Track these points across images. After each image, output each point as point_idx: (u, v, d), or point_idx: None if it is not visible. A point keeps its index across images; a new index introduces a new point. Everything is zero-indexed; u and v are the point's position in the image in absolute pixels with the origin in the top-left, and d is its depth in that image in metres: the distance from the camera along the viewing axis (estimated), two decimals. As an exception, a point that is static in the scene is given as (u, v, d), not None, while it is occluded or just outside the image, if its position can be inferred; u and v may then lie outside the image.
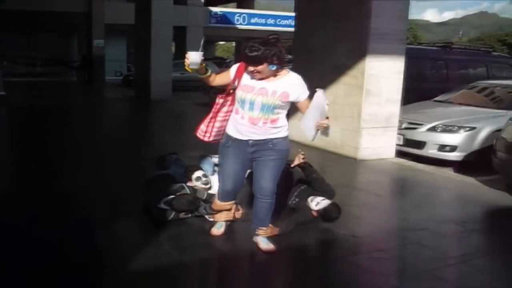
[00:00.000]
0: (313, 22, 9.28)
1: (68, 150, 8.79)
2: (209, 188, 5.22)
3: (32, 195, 5.90)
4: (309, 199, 5.05)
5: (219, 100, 4.15)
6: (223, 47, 71.54)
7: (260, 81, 3.92)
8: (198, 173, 5.21)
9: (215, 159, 5.55)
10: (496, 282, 3.98)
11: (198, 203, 4.93)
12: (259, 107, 3.93)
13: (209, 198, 5.01)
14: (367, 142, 8.20)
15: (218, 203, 4.52)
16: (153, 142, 9.40)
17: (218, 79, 4.15)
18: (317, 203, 4.96)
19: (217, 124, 4.21)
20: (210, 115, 4.22)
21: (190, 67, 3.86)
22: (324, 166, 8.08)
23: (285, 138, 4.12)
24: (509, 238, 4.98)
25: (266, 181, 4.10)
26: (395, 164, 8.10)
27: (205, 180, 5.23)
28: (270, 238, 4.34)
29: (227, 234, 4.62)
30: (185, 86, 21.91)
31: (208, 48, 42.80)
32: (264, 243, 4.29)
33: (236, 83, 4.02)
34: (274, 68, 3.85)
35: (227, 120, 4.19)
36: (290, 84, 3.94)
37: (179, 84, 20.84)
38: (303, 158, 5.38)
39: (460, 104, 9.74)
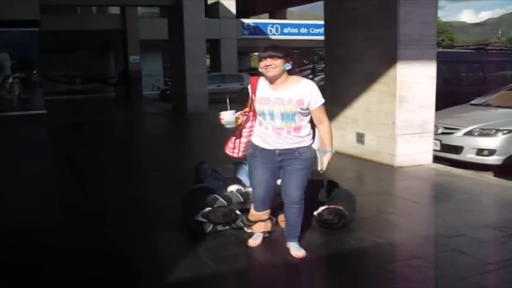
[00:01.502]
0: (342, 31, 9.30)
1: (109, 165, 9.03)
2: (246, 201, 5.28)
3: (74, 209, 6.11)
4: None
5: (242, 118, 4.34)
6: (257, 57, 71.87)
7: (275, 91, 4.06)
8: (232, 187, 5.29)
9: None
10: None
11: (235, 215, 5.01)
12: (279, 117, 4.05)
13: (245, 206, 5.10)
14: (403, 148, 8.15)
15: (254, 214, 4.60)
16: (191, 155, 9.54)
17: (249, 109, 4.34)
18: (319, 210, 5.03)
19: (243, 140, 4.39)
20: (235, 132, 4.40)
21: (226, 126, 4.21)
22: (360, 174, 8.11)
23: (309, 146, 4.21)
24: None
25: (294, 188, 4.23)
26: (433, 170, 8.02)
27: (244, 192, 5.33)
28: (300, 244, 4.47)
29: (264, 244, 4.68)
30: (221, 98, 22.03)
31: (243, 60, 43.09)
32: (295, 249, 4.42)
33: (254, 98, 4.19)
34: (289, 67, 4.02)
35: (252, 134, 4.34)
36: (303, 91, 4.04)
37: (215, 97, 21.00)
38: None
39: (498, 106, 9.61)
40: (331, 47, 9.91)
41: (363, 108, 8.74)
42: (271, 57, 3.95)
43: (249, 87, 4.27)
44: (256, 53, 60.42)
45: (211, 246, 4.72)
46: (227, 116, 4.15)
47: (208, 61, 29.29)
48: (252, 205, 4.65)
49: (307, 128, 4.18)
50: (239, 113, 4.27)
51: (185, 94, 18.14)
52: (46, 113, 15.73)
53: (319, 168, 4.22)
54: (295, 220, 4.39)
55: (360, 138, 8.85)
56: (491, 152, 8.18)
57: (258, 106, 4.12)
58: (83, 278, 4.09)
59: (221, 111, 4.26)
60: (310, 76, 16.80)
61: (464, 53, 13.36)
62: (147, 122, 17.80)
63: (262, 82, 4.17)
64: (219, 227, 5.00)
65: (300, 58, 64.53)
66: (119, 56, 29.77)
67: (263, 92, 4.11)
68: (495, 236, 4.99)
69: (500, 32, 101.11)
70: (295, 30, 36.38)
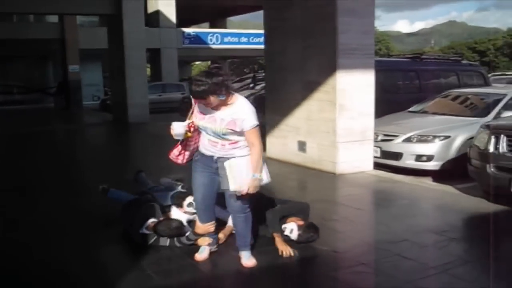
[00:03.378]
0: (283, 40, 9.38)
1: (48, 176, 8.73)
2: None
3: (8, 224, 5.87)
4: (283, 227, 4.88)
5: (190, 129, 4.29)
6: (199, 66, 71.65)
7: (211, 110, 4.09)
8: (190, 199, 5.21)
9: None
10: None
11: (184, 229, 4.93)
12: (211, 133, 4.15)
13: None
14: (344, 156, 8.26)
15: (199, 226, 4.54)
16: (134, 166, 9.34)
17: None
18: (291, 230, 4.81)
19: (188, 149, 4.40)
20: (180, 141, 4.37)
21: (175, 137, 4.22)
22: (303, 182, 8.17)
23: (242, 157, 4.20)
24: (488, 244, 5.02)
25: (230, 198, 4.29)
26: (374, 177, 8.17)
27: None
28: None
29: (211, 256, 4.61)
30: (162, 108, 21.93)
31: (184, 69, 42.82)
32: (245, 258, 4.41)
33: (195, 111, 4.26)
34: (223, 98, 3.99)
35: (197, 142, 4.38)
36: (236, 112, 4.06)
37: (156, 106, 20.87)
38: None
39: (434, 113, 9.89)
40: (271, 56, 9.97)
41: (304, 116, 8.82)
42: (201, 100, 4.02)
43: (193, 100, 4.25)
44: (198, 62, 60.01)
45: (156, 259, 4.63)
46: (178, 128, 4.17)
47: (148, 71, 28.97)
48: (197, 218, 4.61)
49: (244, 141, 4.17)
50: (186, 123, 4.26)
51: (125, 104, 17.92)
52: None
53: (232, 188, 4.17)
54: (243, 229, 4.42)
55: (301, 146, 8.92)
56: (429, 158, 8.40)
57: (194, 119, 4.23)
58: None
59: (173, 122, 4.26)
60: (251, 85, 16.80)
61: (401, 62, 13.71)
62: (88, 132, 17.43)
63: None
64: (162, 240, 4.89)
65: (240, 67, 64.84)
66: (58, 65, 29.13)
67: (201, 109, 4.18)
68: (436, 240, 5.11)
69: (433, 42, 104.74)
70: (236, 39, 36.45)
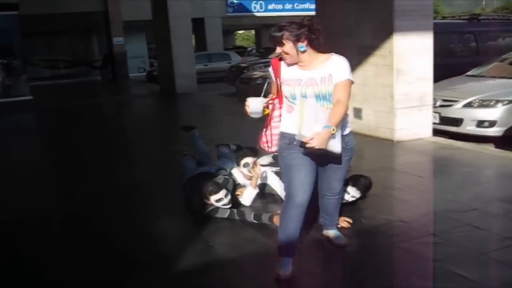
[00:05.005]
0: (334, 4, 9.05)
1: (100, 150, 8.78)
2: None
3: (69, 198, 5.90)
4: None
5: (269, 106, 3.75)
6: (243, 35, 71.24)
7: (305, 71, 3.48)
8: (247, 160, 5.18)
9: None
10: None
11: (227, 185, 4.96)
12: (313, 98, 3.46)
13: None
14: (403, 122, 7.99)
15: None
16: (184, 136, 9.32)
17: (275, 89, 3.70)
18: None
19: (274, 131, 3.74)
20: (265, 123, 3.79)
21: (251, 116, 3.61)
22: (361, 150, 7.86)
23: (351, 133, 3.77)
24: None
25: (337, 181, 3.86)
26: (433, 144, 7.88)
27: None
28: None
29: (270, 233, 4.49)
30: (208, 77, 21.88)
31: (228, 38, 42.66)
32: (337, 237, 4.18)
33: (279, 81, 3.59)
34: (303, 49, 3.40)
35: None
36: (334, 67, 3.45)
37: (203, 76, 20.82)
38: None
39: (494, 77, 9.44)
40: (322, 21, 9.61)
41: (360, 82, 8.52)
42: (276, 44, 3.44)
43: (270, 70, 3.69)
44: (241, 31, 60.02)
45: (216, 230, 4.56)
46: (255, 105, 3.59)
47: (193, 41, 28.90)
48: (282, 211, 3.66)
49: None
50: (266, 100, 3.68)
51: (172, 75, 17.84)
52: (32, 99, 15.39)
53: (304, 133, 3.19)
54: (334, 210, 4.12)
55: (357, 113, 8.66)
56: (492, 124, 8.03)
57: (287, 89, 3.52)
58: (85, 271, 3.91)
59: (248, 97, 3.67)
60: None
61: (457, 24, 13.17)
62: (136, 104, 17.52)
63: (285, 64, 3.59)
64: (220, 212, 4.81)
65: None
66: (103, 38, 29.25)
67: (292, 73, 3.52)
68: (507, 210, 4.87)
69: (484, 3, 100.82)
70: (280, 6, 35.92)
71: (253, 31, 53.68)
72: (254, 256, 4.07)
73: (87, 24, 29.91)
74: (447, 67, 10.40)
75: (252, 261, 3.99)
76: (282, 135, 3.61)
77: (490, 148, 7.70)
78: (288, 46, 3.40)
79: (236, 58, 25.22)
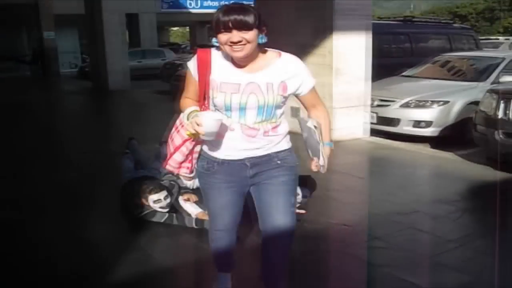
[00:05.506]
0: (274, 1, 8.91)
1: (30, 151, 8.25)
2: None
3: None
4: None
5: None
6: (177, 32, 70.57)
7: (245, 73, 2.55)
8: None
9: None
10: (501, 263, 3.75)
11: (173, 190, 4.67)
12: (255, 111, 2.58)
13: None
14: (341, 122, 7.95)
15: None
16: (117, 136, 8.95)
17: (191, 100, 2.71)
18: None
19: (196, 148, 2.74)
20: (180, 143, 2.70)
21: (205, 138, 2.53)
22: (298, 150, 7.83)
23: (291, 149, 2.79)
24: (501, 215, 4.75)
25: (281, 213, 2.76)
26: (371, 144, 7.88)
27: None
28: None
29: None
30: (143, 74, 21.41)
31: (162, 34, 42.04)
32: None
33: (207, 83, 2.59)
34: (264, 40, 2.50)
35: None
36: (286, 69, 2.61)
37: (137, 73, 20.34)
38: None
39: (429, 78, 9.58)
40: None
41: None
42: (239, 27, 2.39)
43: (191, 64, 2.66)
44: (175, 28, 59.25)
45: (153, 236, 4.30)
46: (210, 123, 2.45)
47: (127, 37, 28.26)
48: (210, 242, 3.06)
49: (285, 123, 2.75)
50: (222, 117, 2.55)
51: (105, 71, 17.38)
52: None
53: (320, 164, 2.66)
54: (284, 257, 2.93)
55: (295, 112, 8.51)
56: (428, 124, 8.11)
57: (221, 98, 2.54)
58: (11, 284, 3.57)
59: (200, 112, 2.56)
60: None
61: (392, 24, 13.36)
62: (67, 101, 16.80)
63: (219, 58, 2.60)
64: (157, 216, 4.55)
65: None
66: (33, 32, 28.12)
67: (227, 74, 2.56)
68: (448, 211, 4.85)
69: (412, 6, 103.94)
70: (215, 4, 35.45)
71: (187, 28, 53.15)
72: (195, 264, 3.84)
73: (16, 16, 28.70)
74: (383, 67, 10.49)
75: (192, 270, 3.76)
76: (203, 156, 2.75)
77: (426, 148, 7.79)
78: (253, 33, 2.42)
79: (170, 55, 24.79)
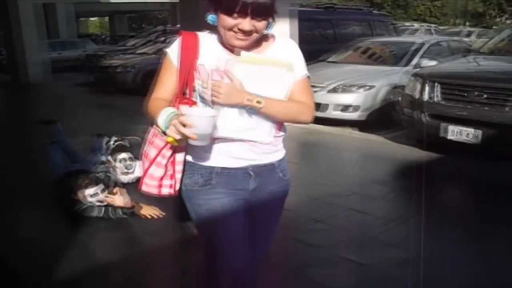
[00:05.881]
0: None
1: None
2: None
3: None
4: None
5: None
6: (95, 23, 68.63)
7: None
8: (124, 155, 4.85)
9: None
10: (442, 240, 3.91)
11: (109, 182, 4.60)
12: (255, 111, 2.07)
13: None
14: (271, 109, 8.00)
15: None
16: (42, 129, 8.63)
17: (163, 101, 2.07)
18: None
19: (179, 158, 2.14)
20: (156, 153, 2.09)
21: (197, 143, 1.91)
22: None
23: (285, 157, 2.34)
24: (434, 194, 4.95)
25: (270, 235, 2.45)
26: (301, 129, 7.90)
27: (129, 164, 4.94)
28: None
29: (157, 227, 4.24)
30: (64, 66, 20.71)
31: (80, 26, 40.81)
32: None
33: (194, 72, 2.07)
34: (270, 30, 2.08)
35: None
36: (286, 55, 2.15)
37: (57, 65, 19.64)
38: None
39: (353, 63, 9.82)
40: (185, 5, 9.40)
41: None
42: (257, 14, 1.93)
43: (172, 50, 2.12)
44: (94, 18, 57.47)
45: (94, 231, 4.20)
46: (205, 122, 1.87)
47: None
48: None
49: (284, 126, 2.27)
50: (216, 113, 1.95)
51: (24, 63, 16.66)
52: None
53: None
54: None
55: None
56: (356, 108, 8.32)
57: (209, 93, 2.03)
58: None
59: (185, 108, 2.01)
60: (162, 39, 16.15)
61: (315, 11, 13.56)
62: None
63: (207, 42, 2.11)
64: (96, 211, 4.44)
65: (137, 22, 62.58)
66: None
67: (220, 63, 2.04)
68: (383, 192, 5.02)
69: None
70: (137, -7, 34.96)
71: (106, 18, 51.87)
72: (137, 256, 3.79)
73: None
74: (307, 52, 10.62)
75: (135, 262, 3.70)
76: (191, 170, 2.17)
77: (355, 132, 7.99)
78: (265, 23, 1.98)
79: (91, 46, 24.10)
